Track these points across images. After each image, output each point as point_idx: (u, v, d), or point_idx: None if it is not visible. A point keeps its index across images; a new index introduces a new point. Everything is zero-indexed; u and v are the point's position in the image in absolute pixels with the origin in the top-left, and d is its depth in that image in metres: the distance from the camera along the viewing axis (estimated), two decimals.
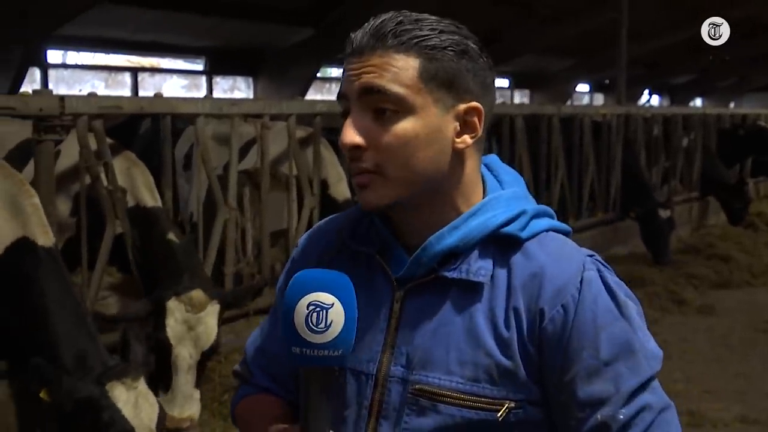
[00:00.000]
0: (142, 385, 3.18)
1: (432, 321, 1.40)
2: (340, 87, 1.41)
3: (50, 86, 10.84)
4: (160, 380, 3.99)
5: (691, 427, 5.18)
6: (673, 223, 9.79)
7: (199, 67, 13.32)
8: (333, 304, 1.29)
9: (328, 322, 1.29)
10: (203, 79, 13.34)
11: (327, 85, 15.64)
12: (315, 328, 1.28)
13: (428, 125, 1.37)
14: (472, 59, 1.39)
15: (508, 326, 1.37)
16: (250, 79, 13.54)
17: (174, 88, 13.01)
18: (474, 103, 1.40)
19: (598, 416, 1.34)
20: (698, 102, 25.87)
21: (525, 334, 1.37)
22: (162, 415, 3.24)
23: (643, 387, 1.36)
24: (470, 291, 1.40)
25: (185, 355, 4.01)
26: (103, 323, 4.07)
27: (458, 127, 1.40)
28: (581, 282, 1.38)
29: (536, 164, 8.87)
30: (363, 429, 1.42)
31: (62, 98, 4.31)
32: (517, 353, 1.36)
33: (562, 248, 1.43)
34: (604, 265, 1.42)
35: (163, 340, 4.01)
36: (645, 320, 1.42)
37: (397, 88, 1.36)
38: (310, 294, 1.29)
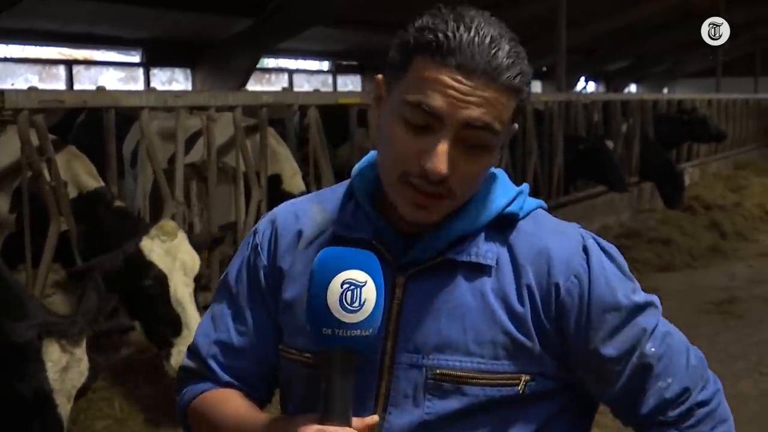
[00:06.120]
0: (79, 349, 3.05)
1: (443, 304, 1.41)
2: (432, 99, 1.32)
3: None
4: (159, 338, 3.98)
5: None
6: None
7: (136, 59, 13.06)
8: (366, 282, 1.29)
9: (362, 301, 1.28)
10: (140, 71, 13.09)
11: (267, 76, 15.48)
12: (349, 307, 1.27)
13: (497, 154, 1.41)
14: (529, 85, 1.41)
15: (521, 302, 1.40)
16: (189, 71, 13.34)
17: (110, 80, 12.73)
18: (516, 127, 1.43)
19: (634, 359, 1.42)
20: (633, 88, 26.29)
21: (540, 309, 1.40)
22: (87, 385, 3.15)
23: (659, 325, 1.46)
24: (479, 272, 1.41)
25: (182, 283, 3.95)
26: (75, 275, 4.00)
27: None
28: (585, 251, 1.43)
29: None
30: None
31: (2, 93, 4.19)
32: (531, 328, 1.40)
33: (556, 224, 1.49)
34: (592, 233, 1.49)
35: (157, 275, 3.95)
36: None
37: (498, 127, 1.36)
38: (344, 272, 1.28)
